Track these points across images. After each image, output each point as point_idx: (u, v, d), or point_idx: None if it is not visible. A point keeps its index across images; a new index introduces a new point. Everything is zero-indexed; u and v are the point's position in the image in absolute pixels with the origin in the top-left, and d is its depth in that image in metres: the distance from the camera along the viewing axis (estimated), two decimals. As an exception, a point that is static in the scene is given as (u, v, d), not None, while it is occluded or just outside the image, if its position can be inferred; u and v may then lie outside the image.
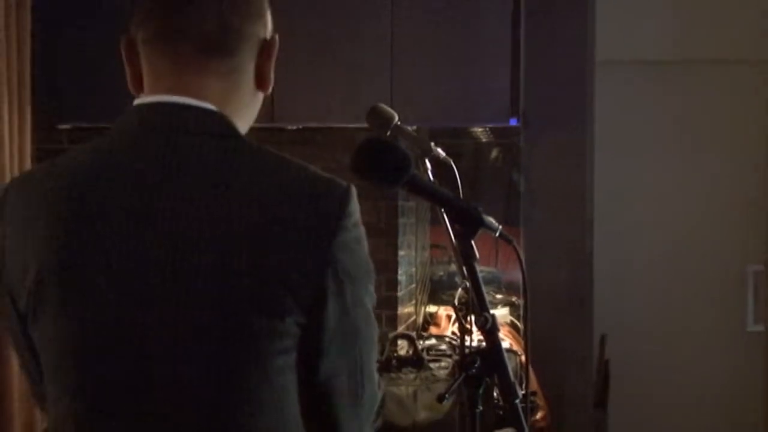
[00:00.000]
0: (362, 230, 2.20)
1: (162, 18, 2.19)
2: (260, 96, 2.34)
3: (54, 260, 2.18)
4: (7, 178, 5.37)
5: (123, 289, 2.14)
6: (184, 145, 2.18)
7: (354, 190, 2.18)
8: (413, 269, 6.34)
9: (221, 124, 2.19)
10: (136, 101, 2.21)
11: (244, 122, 2.29)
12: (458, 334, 5.03)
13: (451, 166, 2.94)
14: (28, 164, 5.56)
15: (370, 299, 2.23)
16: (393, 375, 4.97)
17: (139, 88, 2.23)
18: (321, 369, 2.14)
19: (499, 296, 6.35)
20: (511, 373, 2.31)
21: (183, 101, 2.20)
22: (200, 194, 2.15)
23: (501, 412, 3.03)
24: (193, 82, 2.21)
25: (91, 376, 2.19)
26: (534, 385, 5.68)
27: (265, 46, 2.28)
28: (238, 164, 2.19)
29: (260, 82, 2.29)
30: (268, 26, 2.31)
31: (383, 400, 2.37)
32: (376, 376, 2.28)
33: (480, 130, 6.24)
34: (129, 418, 2.15)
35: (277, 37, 2.32)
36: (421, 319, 6.34)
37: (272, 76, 2.34)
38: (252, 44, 2.26)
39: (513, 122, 5.73)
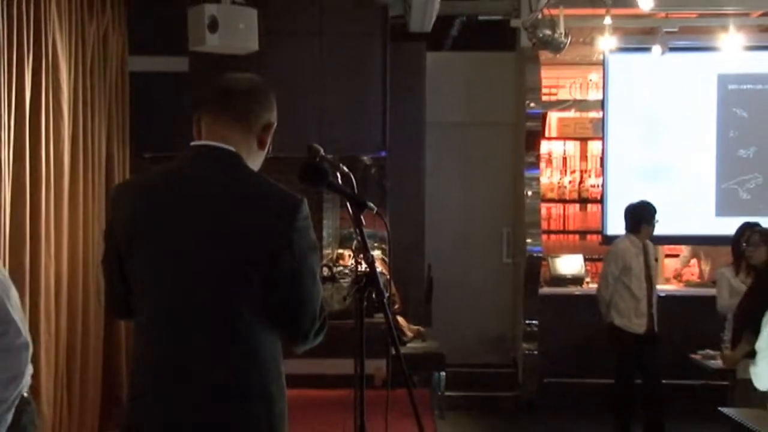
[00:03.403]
0: (309, 223, 2.58)
1: (217, 104, 2.65)
2: (261, 153, 2.71)
3: (134, 230, 2.62)
4: None
5: (172, 249, 2.58)
6: (213, 166, 2.60)
7: (305, 200, 2.56)
8: (331, 230, 8.20)
9: (234, 157, 2.61)
10: (192, 143, 2.66)
11: (252, 163, 2.67)
12: (354, 264, 6.84)
13: (350, 176, 2.96)
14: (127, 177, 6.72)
15: (314, 261, 2.60)
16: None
17: (198, 138, 2.65)
18: (279, 293, 2.53)
19: (375, 244, 7.85)
20: (381, 285, 2.73)
21: (216, 144, 2.61)
22: (217, 193, 2.57)
23: (376, 305, 2.78)
24: (224, 135, 2.62)
25: (159, 296, 2.61)
26: (393, 290, 7.57)
27: (267, 126, 2.69)
28: (240, 180, 2.60)
29: (260, 145, 2.68)
30: (273, 114, 2.70)
31: (323, 308, 2.67)
32: (315, 301, 2.60)
33: (366, 157, 7.96)
34: (177, 318, 2.57)
35: (275, 122, 2.71)
36: (335, 256, 8.06)
37: (269, 142, 2.71)
38: (261, 122, 2.67)
39: (383, 153, 7.87)
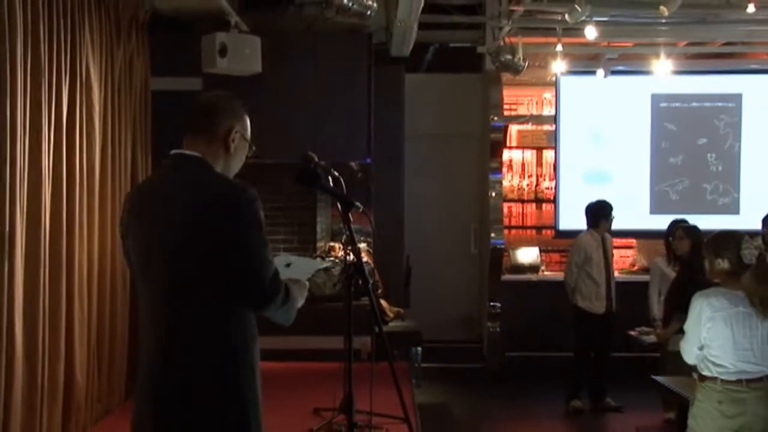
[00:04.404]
0: (253, 207, 2.54)
1: (185, 122, 2.69)
2: (231, 155, 2.68)
3: (128, 222, 2.72)
4: None
5: (146, 240, 2.62)
6: (180, 169, 2.65)
7: (249, 190, 2.56)
8: (323, 225, 8.10)
9: (198, 161, 2.63)
10: (172, 151, 2.68)
11: (225, 165, 2.67)
12: (344, 255, 6.40)
13: (340, 179, 3.13)
14: None
15: (257, 237, 2.54)
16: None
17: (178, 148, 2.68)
18: (231, 267, 2.51)
19: (362, 238, 7.74)
20: (367, 273, 2.81)
21: (185, 152, 2.66)
22: (182, 189, 2.61)
23: (362, 290, 2.85)
24: (193, 145, 2.65)
25: (139, 275, 2.69)
26: (377, 277, 7.44)
27: (228, 131, 2.67)
28: (198, 178, 2.62)
29: (226, 149, 2.67)
30: (235, 121, 2.68)
31: (276, 284, 2.57)
32: (262, 267, 2.54)
33: (353, 163, 7.74)
34: (154, 301, 2.61)
35: (239, 127, 2.68)
36: (327, 248, 7.85)
37: (241, 146, 2.69)
38: (222, 130, 2.66)
39: (368, 160, 7.81)
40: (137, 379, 2.68)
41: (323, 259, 7.42)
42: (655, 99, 8.86)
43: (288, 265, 2.73)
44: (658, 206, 7.83)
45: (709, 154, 8.80)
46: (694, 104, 8.86)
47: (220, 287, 2.52)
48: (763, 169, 8.82)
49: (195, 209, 2.54)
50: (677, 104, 8.88)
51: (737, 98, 8.84)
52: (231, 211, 2.51)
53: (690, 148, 8.83)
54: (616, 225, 7.37)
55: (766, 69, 9.10)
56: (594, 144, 8.91)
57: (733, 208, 8.69)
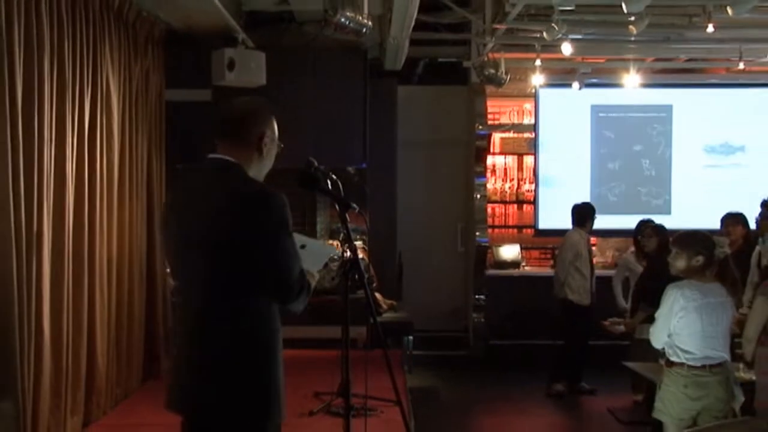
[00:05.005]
0: (283, 210, 2.53)
1: (218, 129, 2.67)
2: (263, 158, 2.65)
3: (168, 219, 2.74)
4: (155, 199, 6.54)
5: (188, 232, 2.61)
6: (218, 173, 2.63)
7: (279, 194, 2.52)
8: (323, 225, 8.16)
9: (232, 166, 2.60)
10: (209, 156, 2.67)
11: (256, 168, 2.64)
12: (341, 252, 5.95)
13: (338, 183, 3.11)
14: (163, 184, 6.77)
15: (285, 237, 2.54)
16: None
17: (215, 152, 2.65)
18: (262, 265, 2.50)
19: (358, 236, 7.77)
20: (362, 268, 2.95)
21: (221, 157, 2.64)
22: (219, 192, 2.58)
23: (358, 284, 2.94)
24: (228, 150, 2.64)
25: (177, 268, 2.70)
26: (372, 272, 7.54)
27: (261, 137, 2.64)
28: (233, 182, 2.59)
29: (259, 153, 2.64)
30: (267, 126, 2.65)
31: (303, 280, 2.57)
32: (291, 267, 2.52)
33: (351, 168, 7.86)
34: (190, 280, 2.60)
35: (269, 131, 2.65)
36: None
37: (272, 148, 2.65)
38: (255, 135, 2.64)
39: (363, 165, 7.88)
40: (173, 359, 2.68)
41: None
42: (595, 109, 8.91)
43: (302, 247, 2.68)
44: (598, 208, 7.85)
45: (643, 160, 8.91)
46: (630, 114, 8.94)
47: (251, 282, 2.51)
48: (690, 173, 8.93)
49: (231, 211, 2.53)
50: (615, 114, 8.95)
51: (668, 109, 8.94)
52: (264, 214, 2.50)
53: (626, 154, 8.90)
54: (561, 225, 7.37)
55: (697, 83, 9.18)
56: (544, 151, 8.98)
57: (665, 209, 8.77)
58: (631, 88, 8.29)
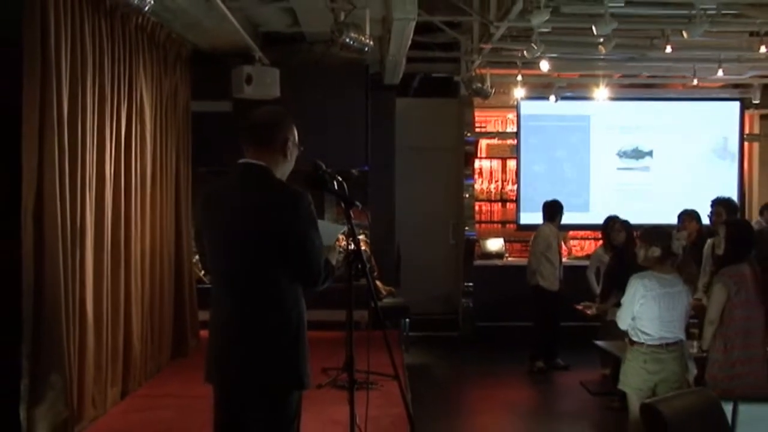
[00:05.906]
0: (310, 208, 2.56)
1: (247, 135, 2.65)
2: (287, 161, 2.65)
3: (203, 217, 2.71)
4: (182, 198, 6.54)
5: (224, 228, 2.59)
6: (249, 176, 2.62)
7: (306, 194, 2.56)
8: (330, 220, 7.54)
9: (263, 169, 2.60)
10: (239, 161, 2.65)
11: (281, 170, 2.64)
12: (346, 245, 6.51)
13: (343, 183, 2.91)
14: (189, 188, 6.80)
15: (313, 233, 2.56)
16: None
17: (244, 157, 2.65)
18: (293, 255, 2.52)
19: (361, 231, 7.46)
20: (364, 258, 2.81)
21: (251, 161, 2.63)
22: (252, 192, 2.58)
23: (360, 272, 2.80)
24: (257, 155, 2.63)
25: (215, 258, 2.66)
26: (373, 262, 7.49)
27: (285, 141, 2.64)
28: (265, 183, 2.59)
29: (283, 156, 2.65)
30: (290, 131, 2.65)
31: (328, 263, 2.65)
32: (317, 259, 2.56)
33: (354, 170, 7.69)
34: (227, 270, 2.60)
35: (292, 137, 2.66)
36: None
37: (294, 151, 2.67)
38: (280, 140, 2.64)
39: (365, 168, 7.86)
40: (206, 366, 2.64)
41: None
42: (525, 119, 8.85)
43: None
44: (525, 206, 7.86)
45: (564, 164, 8.88)
46: (555, 123, 8.90)
47: (281, 270, 2.52)
48: (606, 176, 8.90)
49: (263, 209, 2.53)
50: (541, 123, 8.91)
51: (587, 119, 8.91)
52: (292, 211, 2.51)
53: (550, 158, 8.87)
54: (540, 221, 7.34)
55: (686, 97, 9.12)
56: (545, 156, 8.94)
57: (584, 207, 8.75)
58: (558, 102, 8.33)
